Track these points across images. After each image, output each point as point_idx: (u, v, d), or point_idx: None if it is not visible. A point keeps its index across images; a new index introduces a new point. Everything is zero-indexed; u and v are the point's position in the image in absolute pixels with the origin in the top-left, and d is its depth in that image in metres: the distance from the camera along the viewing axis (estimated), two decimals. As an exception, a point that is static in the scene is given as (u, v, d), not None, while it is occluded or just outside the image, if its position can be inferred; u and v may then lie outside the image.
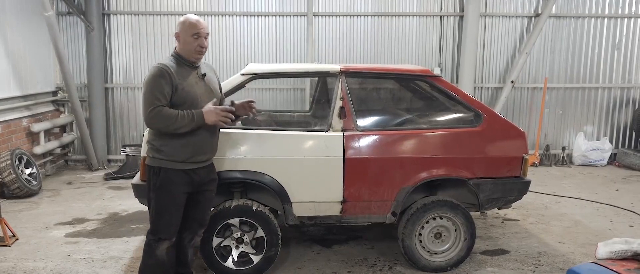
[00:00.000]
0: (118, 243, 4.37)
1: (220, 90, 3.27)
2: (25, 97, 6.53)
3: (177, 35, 2.93)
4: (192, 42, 2.89)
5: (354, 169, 3.57)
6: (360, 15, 7.63)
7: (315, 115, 4.92)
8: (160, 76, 2.81)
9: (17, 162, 5.77)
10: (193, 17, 2.92)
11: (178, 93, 2.84)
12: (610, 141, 7.95)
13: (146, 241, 3.06)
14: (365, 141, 3.61)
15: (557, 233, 4.68)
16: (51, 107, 7.23)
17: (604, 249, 3.19)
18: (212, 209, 3.59)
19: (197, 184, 3.05)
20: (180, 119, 2.81)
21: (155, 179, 2.95)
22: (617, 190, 6.33)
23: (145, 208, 3.36)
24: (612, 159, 7.98)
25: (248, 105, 3.15)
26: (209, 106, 2.89)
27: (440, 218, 3.72)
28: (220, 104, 3.18)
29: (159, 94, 2.79)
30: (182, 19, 2.94)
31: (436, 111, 4.28)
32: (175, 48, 2.98)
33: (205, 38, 2.93)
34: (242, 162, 3.50)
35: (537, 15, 7.63)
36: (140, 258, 3.15)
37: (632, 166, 7.57)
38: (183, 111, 2.83)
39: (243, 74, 3.69)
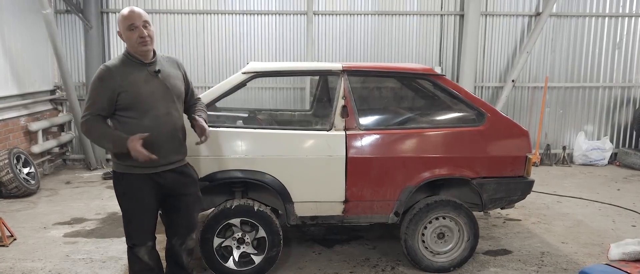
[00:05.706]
0: (117, 243, 4.32)
1: (189, 84, 3.05)
2: (22, 95, 6.48)
3: (119, 34, 2.76)
4: (131, 35, 2.70)
5: (357, 168, 3.53)
6: (361, 14, 7.59)
7: (317, 114, 4.88)
8: (100, 78, 2.67)
9: (15, 161, 5.72)
10: (125, 9, 2.72)
11: (122, 96, 2.68)
12: (611, 141, 7.94)
13: (127, 248, 2.96)
14: (368, 141, 3.57)
15: (559, 233, 4.66)
16: (49, 106, 7.18)
17: (616, 251, 3.17)
18: (213, 209, 3.57)
19: (168, 187, 2.87)
20: (104, 140, 2.72)
21: (118, 186, 2.83)
22: (619, 190, 6.31)
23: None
24: (613, 159, 7.97)
25: (200, 130, 2.90)
26: (135, 141, 2.61)
27: (443, 218, 3.68)
28: (187, 96, 3.03)
29: (94, 99, 2.68)
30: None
31: (439, 110, 4.25)
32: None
33: (145, 27, 2.69)
34: (243, 161, 3.46)
35: (538, 14, 7.60)
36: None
37: (633, 165, 7.56)
38: (110, 133, 2.69)
39: (244, 73, 3.64)
